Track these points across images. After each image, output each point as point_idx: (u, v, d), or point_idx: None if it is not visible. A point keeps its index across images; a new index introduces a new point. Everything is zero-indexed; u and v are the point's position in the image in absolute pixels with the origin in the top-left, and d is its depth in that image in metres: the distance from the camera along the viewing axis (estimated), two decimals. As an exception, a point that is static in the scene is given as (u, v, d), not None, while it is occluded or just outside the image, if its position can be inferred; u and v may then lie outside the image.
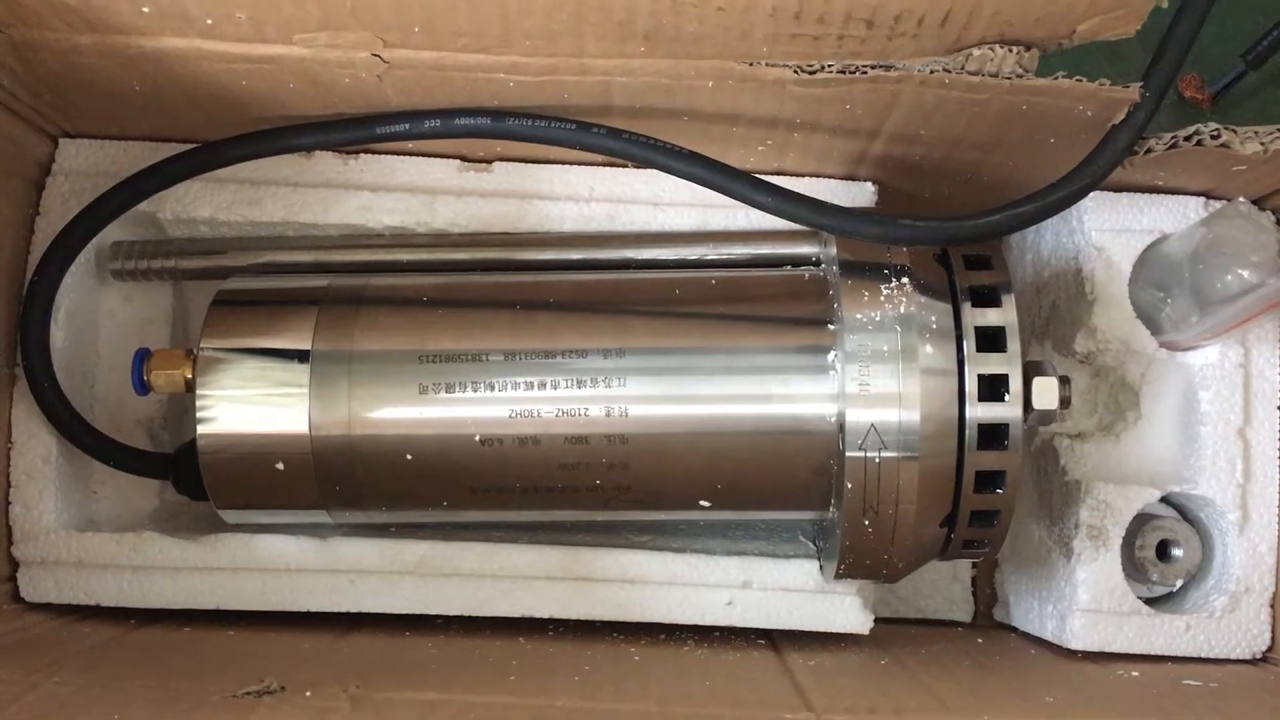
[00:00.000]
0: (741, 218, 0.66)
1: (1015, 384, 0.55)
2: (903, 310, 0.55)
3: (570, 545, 0.64)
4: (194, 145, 0.62)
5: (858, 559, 0.58)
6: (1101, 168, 0.54)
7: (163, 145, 0.64)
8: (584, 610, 0.63)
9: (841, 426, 0.55)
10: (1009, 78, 0.53)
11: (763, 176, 0.57)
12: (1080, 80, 0.53)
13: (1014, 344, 0.55)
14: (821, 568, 0.64)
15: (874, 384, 0.55)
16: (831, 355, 0.56)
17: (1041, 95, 0.54)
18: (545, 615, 0.63)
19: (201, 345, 0.58)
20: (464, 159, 0.66)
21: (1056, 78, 0.53)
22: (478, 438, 0.57)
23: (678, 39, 0.52)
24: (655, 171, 0.65)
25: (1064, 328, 0.67)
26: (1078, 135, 0.56)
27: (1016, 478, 0.55)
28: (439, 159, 0.66)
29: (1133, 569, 0.65)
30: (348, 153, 0.66)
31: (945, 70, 0.53)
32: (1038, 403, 0.57)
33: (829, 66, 0.53)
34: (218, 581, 0.63)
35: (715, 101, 0.57)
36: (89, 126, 0.64)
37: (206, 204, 0.64)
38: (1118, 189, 0.65)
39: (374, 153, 0.66)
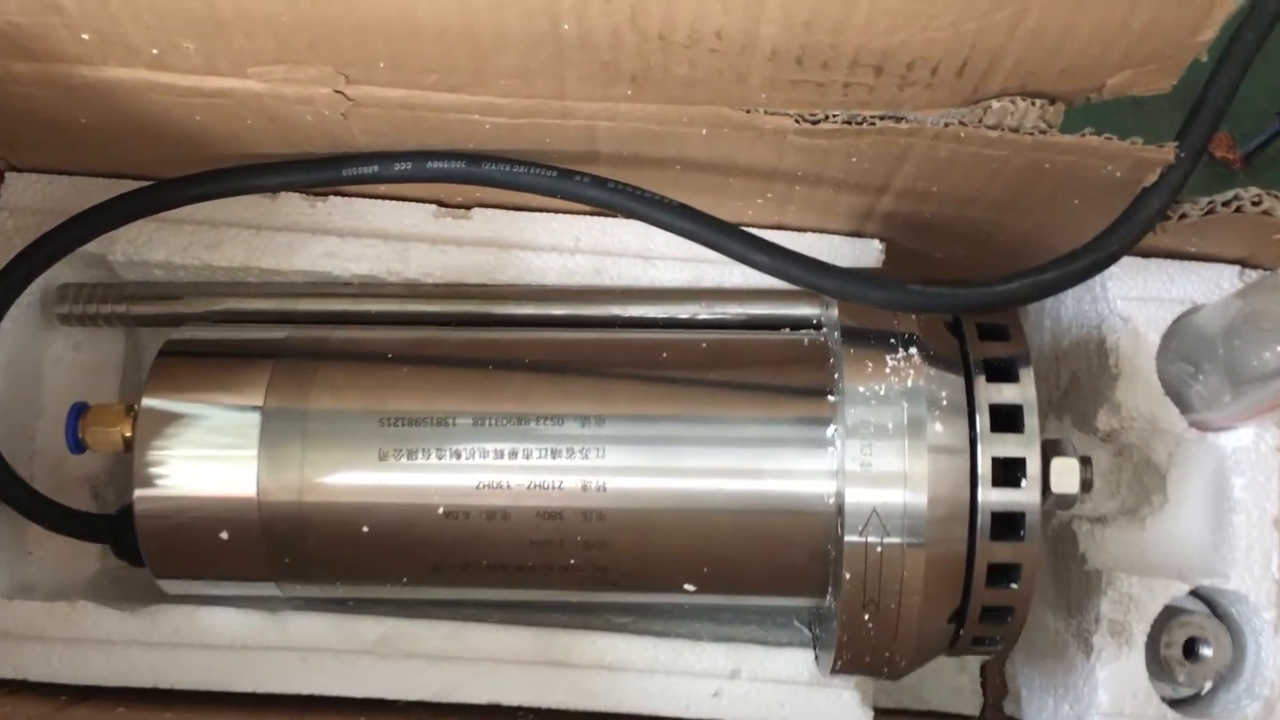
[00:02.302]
0: (738, 275, 0.61)
1: (1033, 467, 0.50)
2: (910, 383, 0.50)
3: (544, 626, 0.59)
4: (149, 183, 0.57)
5: (856, 655, 0.52)
6: (1131, 234, 0.49)
7: (117, 182, 0.60)
8: (558, 698, 0.58)
9: (840, 508, 0.50)
10: (1031, 133, 0.48)
11: (761, 232, 0.52)
12: (1110, 138, 0.48)
13: (1032, 423, 0.50)
14: (817, 658, 0.58)
15: (877, 462, 0.49)
16: (831, 429, 0.51)
17: (1067, 153, 0.49)
18: (515, 703, 0.58)
19: (143, 400, 0.54)
20: (441, 204, 0.62)
21: (1084, 134, 0.48)
22: (441, 510, 0.52)
23: (667, 82, 0.47)
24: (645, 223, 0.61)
25: (1085, 402, 0.62)
26: (1105, 197, 0.51)
27: (1034, 571, 0.50)
28: (414, 203, 0.62)
29: (1157, 668, 0.59)
30: (316, 194, 0.61)
31: (961, 123, 0.48)
32: (1057, 486, 0.52)
33: (833, 116, 0.49)
34: (157, 657, 0.57)
35: (710, 150, 0.53)
36: (36, 160, 0.60)
37: (161, 246, 0.60)
38: (1146, 255, 0.60)
39: (344, 195, 0.61)
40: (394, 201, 0.61)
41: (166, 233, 0.60)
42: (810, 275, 0.50)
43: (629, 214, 0.52)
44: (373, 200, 0.61)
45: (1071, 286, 0.49)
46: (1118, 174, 0.50)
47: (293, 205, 0.61)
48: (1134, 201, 0.49)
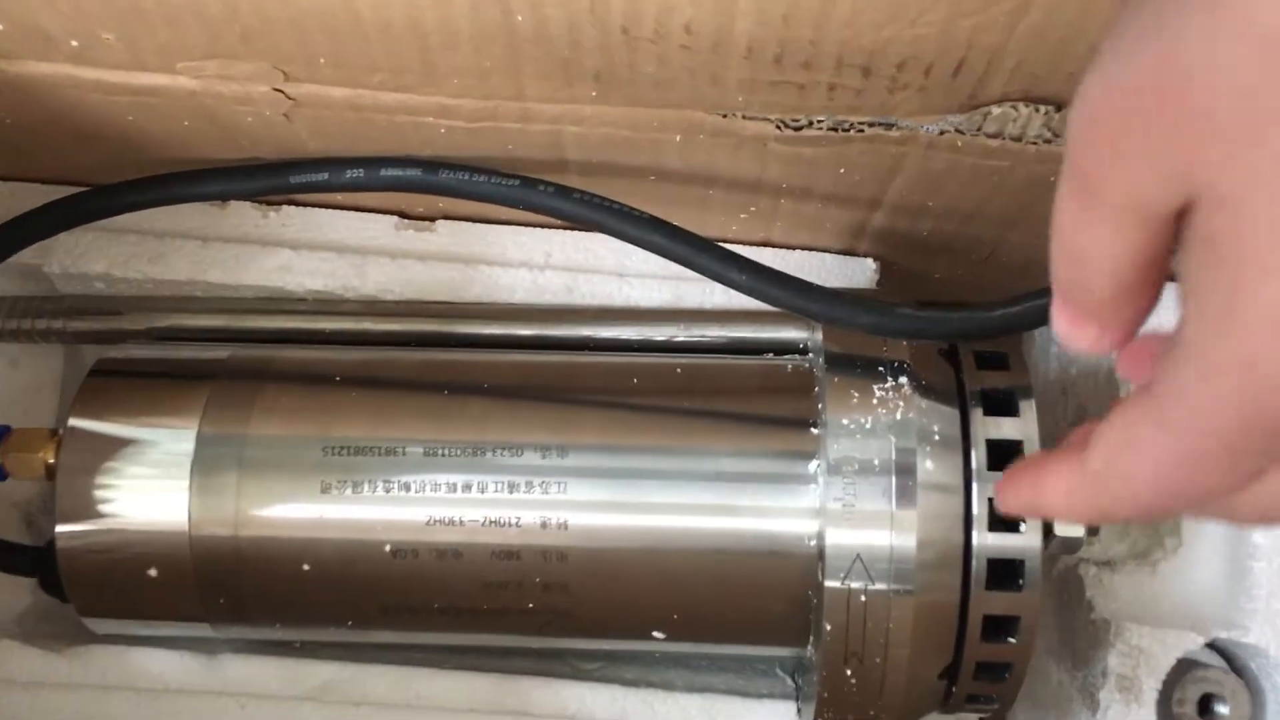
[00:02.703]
0: (720, 295, 0.56)
1: (1034, 510, 0.45)
2: (899, 416, 0.46)
3: (503, 673, 0.54)
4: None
5: (838, 712, 0.48)
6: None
7: (57, 190, 0.55)
8: (516, 752, 0.53)
9: (821, 551, 0.46)
10: (1035, 143, 0.44)
11: (746, 250, 0.48)
12: (1122, 149, 0.44)
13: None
14: (800, 710, 0.54)
15: (861, 502, 0.45)
16: (814, 464, 0.47)
17: (1073, 164, 0.45)
18: (469, 756, 0.53)
19: (69, 423, 0.50)
20: (403, 215, 0.58)
21: (1091, 143, 0.44)
22: (388, 548, 0.48)
23: (634, 82, 0.43)
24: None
25: (1093, 436, 0.57)
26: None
27: (1033, 623, 0.46)
28: (373, 214, 0.57)
29: (1169, 728, 0.55)
30: (268, 204, 0.57)
31: (958, 131, 0.44)
32: (1060, 529, 0.47)
33: (818, 122, 0.44)
34: (84, 701, 0.53)
35: (686, 159, 0.49)
36: (-34, 166, 0.56)
37: (101, 257, 0.56)
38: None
39: (298, 204, 0.57)
40: (352, 212, 0.57)
41: (106, 243, 0.56)
42: (792, 296, 0.45)
43: (597, 227, 0.48)
44: (330, 210, 0.57)
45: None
46: (1129, 189, 0.45)
47: (243, 215, 0.57)
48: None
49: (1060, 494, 0.31)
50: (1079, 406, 0.59)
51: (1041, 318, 0.44)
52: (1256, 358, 0.23)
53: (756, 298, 0.46)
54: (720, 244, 0.47)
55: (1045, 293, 0.44)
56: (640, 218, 0.47)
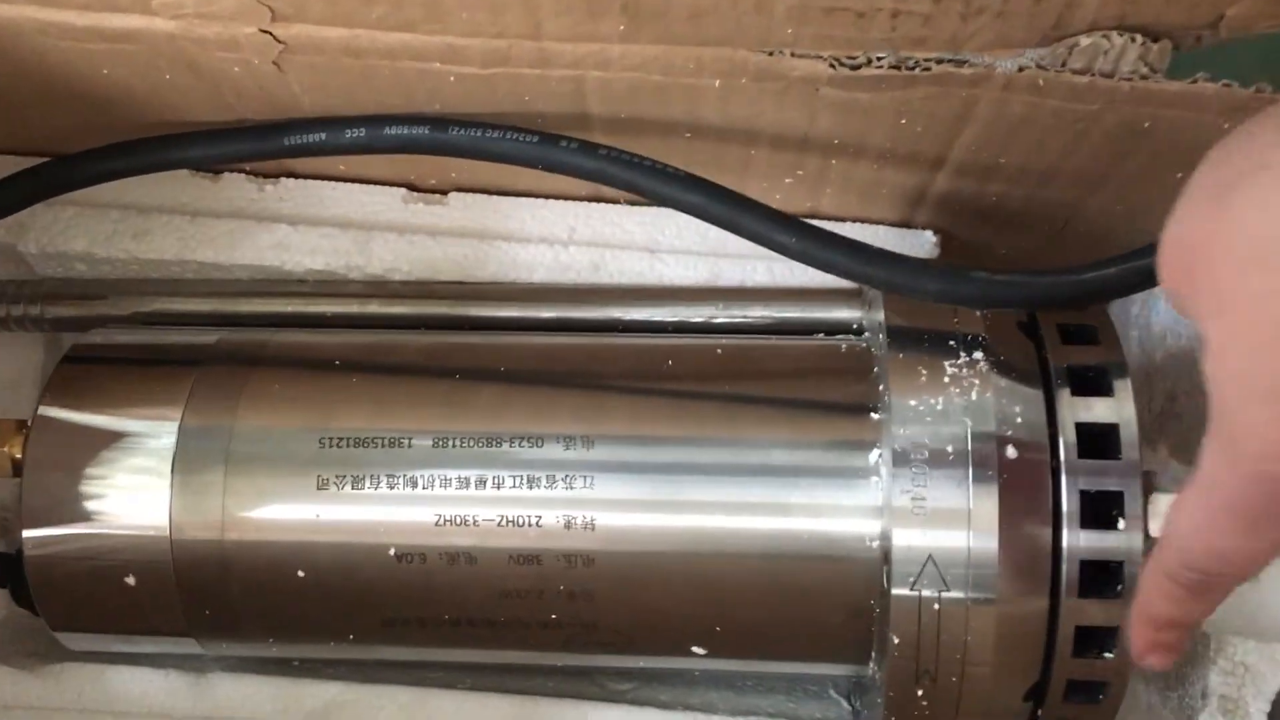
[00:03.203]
0: (763, 271, 0.51)
1: (1133, 504, 0.39)
2: (975, 396, 0.40)
3: (524, 694, 0.49)
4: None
5: (907, 740, 0.42)
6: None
7: (27, 160, 0.50)
8: (539, 782, 0.48)
9: (886, 554, 0.40)
10: (1129, 79, 0.38)
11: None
12: (1230, 85, 0.38)
13: (1132, 450, 0.40)
14: (857, 736, 0.48)
15: (933, 497, 0.39)
16: (875, 455, 0.41)
17: (1173, 106, 0.39)
18: (487, 787, 0.48)
19: (37, 413, 0.44)
20: (412, 187, 0.52)
21: (1195, 80, 0.38)
22: (393, 551, 0.42)
23: (667, 13, 0.37)
24: (652, 210, 0.52)
25: (1186, 427, 0.51)
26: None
27: (1133, 636, 0.40)
28: (379, 186, 0.52)
29: (1279, 755, 0.48)
30: (264, 175, 0.52)
31: (1040, 67, 0.38)
32: (1157, 530, 0.41)
33: (878, 60, 0.39)
34: (59, 726, 0.48)
35: (725, 110, 0.43)
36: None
37: (81, 235, 0.51)
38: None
39: (297, 176, 0.52)
40: (356, 184, 0.52)
41: (87, 219, 0.51)
42: (848, 261, 0.40)
43: (626, 186, 0.42)
44: (331, 183, 0.52)
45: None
46: (1236, 133, 0.40)
47: (236, 188, 0.52)
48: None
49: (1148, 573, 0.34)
50: (1167, 393, 0.53)
51: (1138, 280, 0.38)
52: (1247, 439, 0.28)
53: (807, 263, 0.41)
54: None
55: (1145, 252, 0.38)
56: (675, 175, 0.41)
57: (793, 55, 0.39)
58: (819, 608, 0.42)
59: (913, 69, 0.39)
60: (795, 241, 0.41)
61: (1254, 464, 0.28)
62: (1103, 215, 0.48)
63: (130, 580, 0.43)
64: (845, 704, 0.50)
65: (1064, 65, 0.38)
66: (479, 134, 0.44)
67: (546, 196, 0.52)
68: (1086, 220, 0.49)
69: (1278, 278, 0.26)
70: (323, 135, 0.45)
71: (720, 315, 0.49)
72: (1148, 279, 0.39)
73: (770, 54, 0.39)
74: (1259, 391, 0.27)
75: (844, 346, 0.45)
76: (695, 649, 0.44)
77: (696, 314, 0.50)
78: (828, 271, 0.41)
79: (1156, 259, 0.31)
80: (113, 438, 0.44)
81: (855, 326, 0.47)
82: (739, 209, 0.41)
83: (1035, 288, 0.40)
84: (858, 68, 0.39)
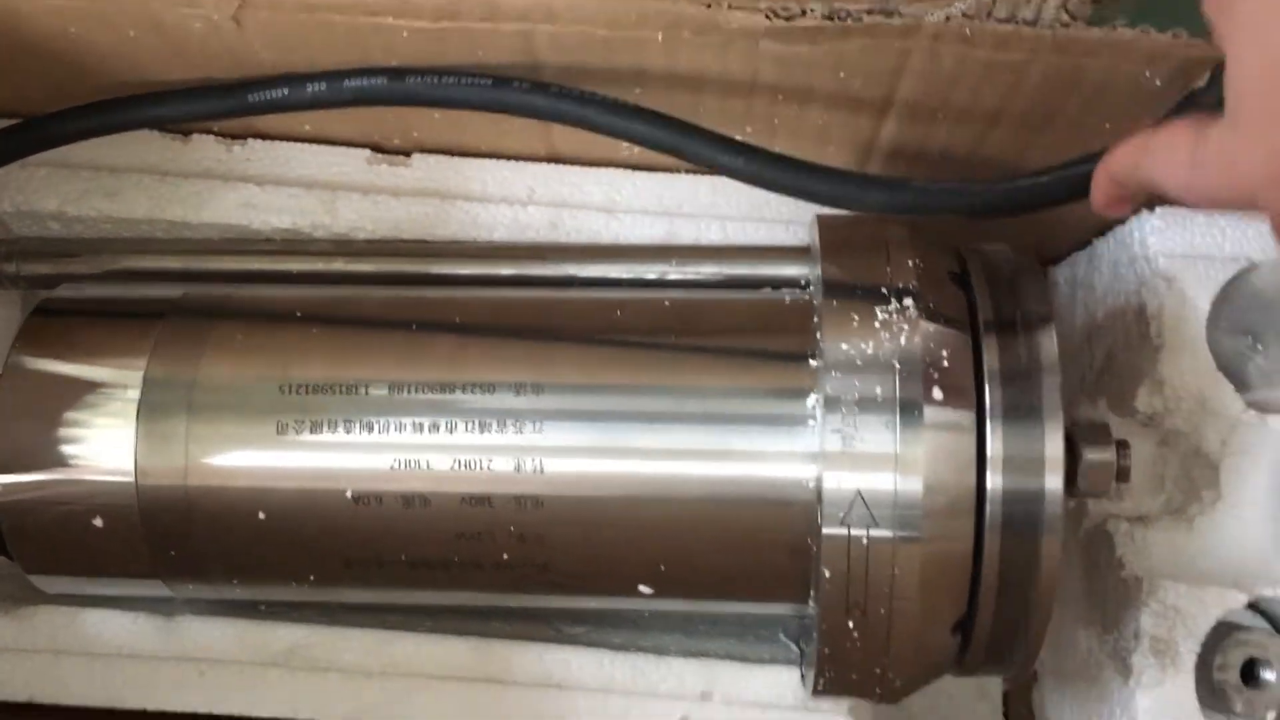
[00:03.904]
0: (716, 230, 0.53)
1: (1055, 446, 0.41)
2: (904, 342, 0.41)
3: (483, 636, 0.50)
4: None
5: (841, 671, 0.43)
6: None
7: None
8: (496, 721, 0.49)
9: (819, 494, 0.41)
10: (1052, 27, 0.39)
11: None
12: (1148, 31, 0.39)
13: (1054, 391, 0.41)
14: (803, 677, 0.49)
15: (861, 439, 0.41)
16: (811, 400, 0.43)
17: (1096, 54, 0.41)
18: (446, 726, 0.49)
19: (7, 362, 0.46)
20: (376, 148, 0.54)
21: (1115, 27, 0.40)
22: (350, 494, 0.44)
23: (609, -32, 0.39)
24: (609, 171, 0.53)
25: (1123, 381, 0.53)
26: (1140, 115, 0.42)
27: (1054, 572, 0.41)
28: (345, 148, 0.54)
29: (1210, 695, 0.50)
30: (232, 137, 0.53)
31: (966, 17, 0.40)
32: (1085, 473, 0.43)
33: (811, 12, 0.40)
34: (32, 666, 0.50)
35: (671, 61, 0.44)
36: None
37: (53, 195, 0.52)
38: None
39: (264, 137, 0.53)
40: (322, 145, 0.54)
41: (59, 179, 0.52)
42: (793, 178, 0.42)
43: (577, 122, 0.44)
44: (298, 144, 0.54)
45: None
46: (1158, 82, 0.41)
47: (205, 148, 0.53)
48: (1181, 101, 0.40)
49: (1161, 164, 0.35)
50: (1108, 351, 0.55)
51: (1075, 188, 0.39)
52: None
53: (755, 183, 0.42)
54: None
55: (1077, 163, 0.40)
56: (625, 107, 0.43)
57: (730, 7, 0.41)
58: (760, 548, 0.44)
59: (845, 20, 0.40)
60: (743, 162, 0.42)
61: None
62: (1044, 164, 0.49)
63: (98, 522, 0.45)
64: (794, 646, 0.51)
65: (989, 15, 0.40)
66: (435, 80, 0.45)
67: (507, 158, 0.54)
68: (1031, 170, 0.50)
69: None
70: (285, 90, 0.47)
71: (674, 272, 0.51)
72: (1077, 188, 0.40)
73: (709, 6, 0.41)
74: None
75: (787, 299, 0.47)
76: (642, 588, 0.45)
77: (651, 271, 0.51)
78: (774, 190, 0.42)
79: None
80: (80, 386, 0.45)
81: (803, 282, 0.49)
82: (687, 134, 0.43)
83: (972, 195, 0.41)
84: (792, 18, 0.41)
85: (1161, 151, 0.35)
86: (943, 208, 0.41)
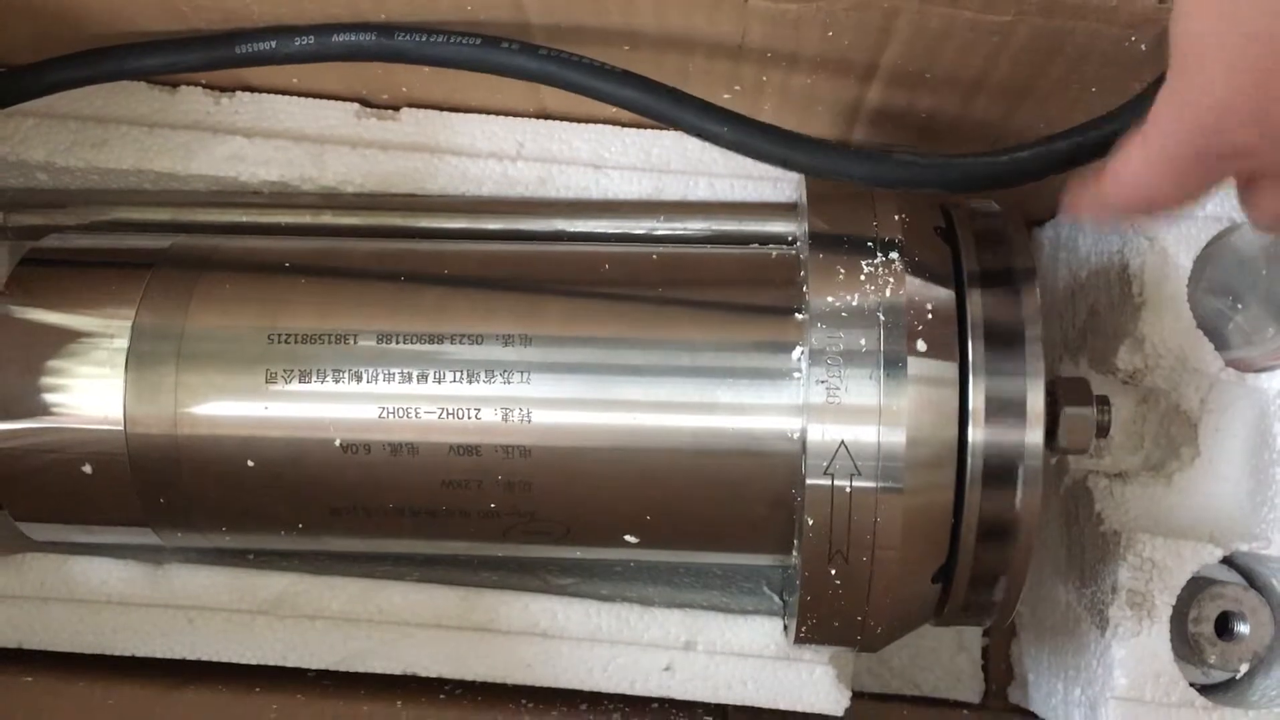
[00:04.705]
0: (704, 186, 0.53)
1: (1036, 400, 0.42)
2: (889, 295, 0.42)
3: (470, 586, 0.51)
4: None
5: (823, 619, 0.44)
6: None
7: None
8: (483, 670, 0.50)
9: (804, 445, 0.42)
10: (1039, -11, 0.40)
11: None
12: (1134, -4, 0.40)
13: (1035, 346, 0.42)
14: (786, 628, 0.50)
15: (846, 391, 0.41)
16: (797, 353, 0.43)
17: (1082, 16, 0.41)
18: (433, 674, 0.50)
19: (-5, 311, 0.46)
20: (365, 103, 0.54)
21: (1100, -10, 0.40)
22: (338, 442, 0.44)
23: (596, -78, 0.39)
24: (598, 127, 0.54)
25: (1104, 339, 0.53)
26: (1125, 80, 0.43)
27: (1034, 524, 0.42)
28: (333, 101, 0.54)
29: (1185, 647, 0.51)
30: (220, 89, 0.53)
31: (954, -24, 0.40)
32: (1066, 428, 0.44)
33: (800, -32, 0.40)
34: (20, 613, 0.50)
35: (660, 21, 0.45)
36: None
37: (41, 145, 0.52)
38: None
39: (252, 90, 0.53)
40: (311, 98, 0.54)
41: (47, 129, 0.52)
42: (777, 147, 0.42)
43: (566, 85, 0.44)
44: (286, 97, 0.54)
45: (1091, 159, 0.40)
46: (1142, 46, 0.41)
47: (193, 101, 0.53)
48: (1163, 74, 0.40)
49: (1088, 194, 0.37)
50: (1090, 310, 0.55)
51: (1053, 164, 0.40)
52: (1209, 102, 0.31)
53: (740, 151, 0.42)
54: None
55: (1058, 138, 0.40)
56: (613, 72, 0.43)
57: (719, -36, 0.41)
58: (745, 499, 0.44)
59: (834, -22, 0.41)
60: (728, 130, 0.42)
61: (1199, 115, 0.32)
62: (1028, 130, 0.50)
63: (87, 469, 0.45)
64: (777, 599, 0.52)
65: (977, -23, 0.40)
66: (424, 39, 0.45)
67: (496, 113, 0.54)
68: (1014, 136, 0.50)
69: None
70: (273, 43, 0.47)
71: (661, 228, 0.51)
72: (1060, 162, 0.41)
73: (697, -37, 0.41)
74: (1221, 53, 0.30)
75: (774, 254, 0.47)
76: (628, 538, 0.46)
77: (638, 227, 0.51)
78: (758, 159, 0.43)
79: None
80: (69, 335, 0.46)
81: (789, 239, 0.49)
82: (674, 101, 0.43)
83: (955, 169, 0.41)
84: (781, -24, 0.41)
85: (1111, 180, 0.35)
86: (924, 181, 0.42)
